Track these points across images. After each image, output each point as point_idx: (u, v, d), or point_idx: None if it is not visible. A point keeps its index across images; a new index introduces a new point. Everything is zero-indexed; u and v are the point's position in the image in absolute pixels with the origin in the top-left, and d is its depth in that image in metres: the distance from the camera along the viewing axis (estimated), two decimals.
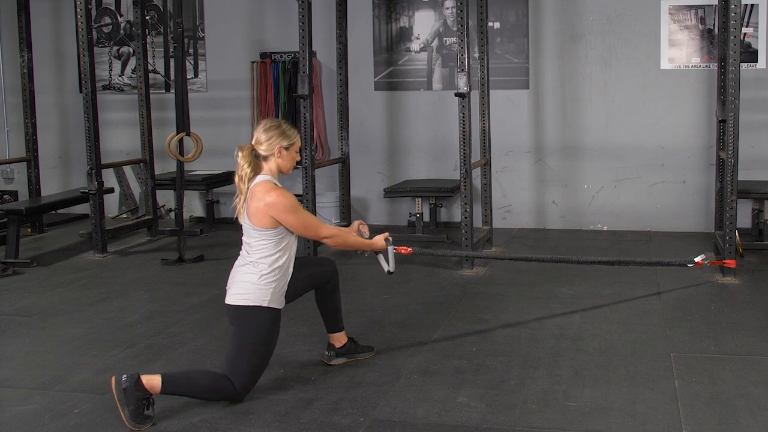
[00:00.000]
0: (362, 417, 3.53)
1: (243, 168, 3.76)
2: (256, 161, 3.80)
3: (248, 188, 3.77)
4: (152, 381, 3.50)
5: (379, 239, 4.11)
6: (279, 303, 3.77)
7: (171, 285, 5.92)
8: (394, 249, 4.16)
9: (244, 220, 3.81)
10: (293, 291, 3.89)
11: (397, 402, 3.68)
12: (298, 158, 3.91)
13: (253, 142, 3.81)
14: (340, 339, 4.17)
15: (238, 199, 3.80)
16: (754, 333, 4.55)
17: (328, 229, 3.92)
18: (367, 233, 4.14)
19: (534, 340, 4.51)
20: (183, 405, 3.67)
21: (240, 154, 3.78)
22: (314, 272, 4.02)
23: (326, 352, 4.19)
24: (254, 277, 3.72)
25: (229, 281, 3.83)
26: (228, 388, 3.64)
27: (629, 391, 3.77)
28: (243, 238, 3.85)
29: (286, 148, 3.79)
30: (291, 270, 3.84)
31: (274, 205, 3.68)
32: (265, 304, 3.71)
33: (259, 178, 3.78)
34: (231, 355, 3.70)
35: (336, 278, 4.12)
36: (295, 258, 3.89)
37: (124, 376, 3.46)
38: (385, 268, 4.16)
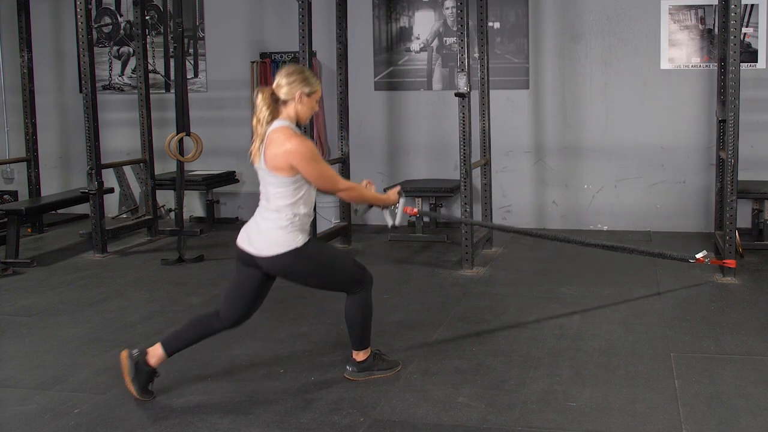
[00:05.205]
0: (362, 417, 3.53)
1: (262, 110, 3.68)
2: (275, 105, 3.72)
3: (265, 132, 3.70)
4: None
5: (393, 193, 4.09)
6: (309, 235, 3.79)
7: (171, 285, 5.92)
8: (404, 205, 4.12)
9: (260, 166, 3.73)
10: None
11: (397, 402, 3.68)
12: (317, 108, 3.85)
13: (273, 86, 3.74)
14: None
15: (253, 143, 3.73)
16: (754, 333, 4.55)
17: (344, 182, 3.85)
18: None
19: (534, 340, 4.51)
20: (183, 404, 3.68)
21: (260, 96, 3.70)
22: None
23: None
24: (282, 223, 3.67)
25: (246, 231, 3.76)
26: (358, 301, 3.87)
27: (629, 391, 3.77)
28: (260, 187, 3.79)
29: (308, 95, 3.73)
30: (312, 214, 3.82)
31: (294, 152, 3.60)
32: (300, 244, 3.69)
33: (277, 123, 3.70)
34: (327, 286, 3.92)
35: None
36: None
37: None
38: (390, 222, 4.13)
